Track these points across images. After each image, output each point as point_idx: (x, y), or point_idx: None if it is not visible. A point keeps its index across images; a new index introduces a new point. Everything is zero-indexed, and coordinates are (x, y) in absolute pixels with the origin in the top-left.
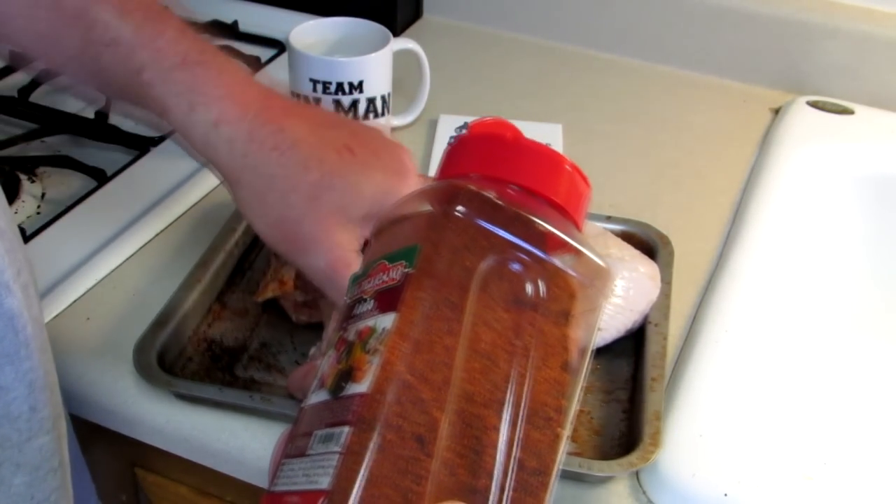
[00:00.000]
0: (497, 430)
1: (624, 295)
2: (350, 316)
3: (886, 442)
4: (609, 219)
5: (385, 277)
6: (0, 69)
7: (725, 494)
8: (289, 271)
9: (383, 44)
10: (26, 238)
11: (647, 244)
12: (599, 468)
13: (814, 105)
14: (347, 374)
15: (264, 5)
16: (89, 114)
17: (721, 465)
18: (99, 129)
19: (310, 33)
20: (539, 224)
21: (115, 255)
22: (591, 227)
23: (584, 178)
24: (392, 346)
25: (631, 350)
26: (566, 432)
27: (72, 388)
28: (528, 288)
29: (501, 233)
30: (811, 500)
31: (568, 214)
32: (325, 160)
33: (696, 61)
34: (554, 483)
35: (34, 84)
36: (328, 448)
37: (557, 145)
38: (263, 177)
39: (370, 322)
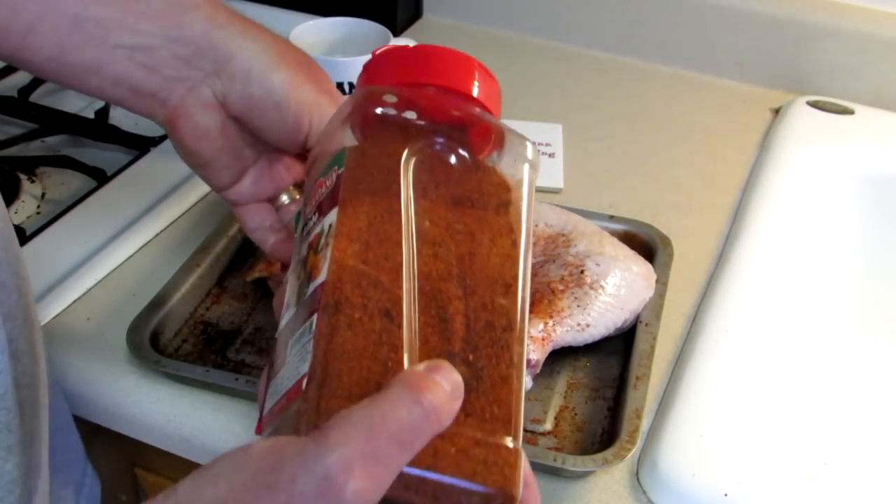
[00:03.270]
0: (460, 299)
1: (615, 293)
2: (301, 241)
3: (886, 442)
4: (612, 218)
5: (322, 190)
6: (0, 69)
7: (725, 494)
8: None
9: (383, 44)
10: (26, 238)
11: (649, 245)
12: (574, 463)
13: (814, 105)
14: (307, 280)
15: (264, 5)
16: (89, 114)
17: (721, 465)
18: (99, 129)
19: (310, 33)
20: (461, 113)
21: (114, 255)
22: (587, 225)
23: (490, 74)
24: (339, 233)
25: (621, 349)
26: (527, 297)
27: (72, 388)
28: (465, 190)
29: (423, 123)
30: (811, 500)
31: (485, 106)
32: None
33: (696, 61)
34: (525, 341)
35: (34, 84)
36: (302, 343)
37: (557, 145)
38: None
39: (317, 229)
